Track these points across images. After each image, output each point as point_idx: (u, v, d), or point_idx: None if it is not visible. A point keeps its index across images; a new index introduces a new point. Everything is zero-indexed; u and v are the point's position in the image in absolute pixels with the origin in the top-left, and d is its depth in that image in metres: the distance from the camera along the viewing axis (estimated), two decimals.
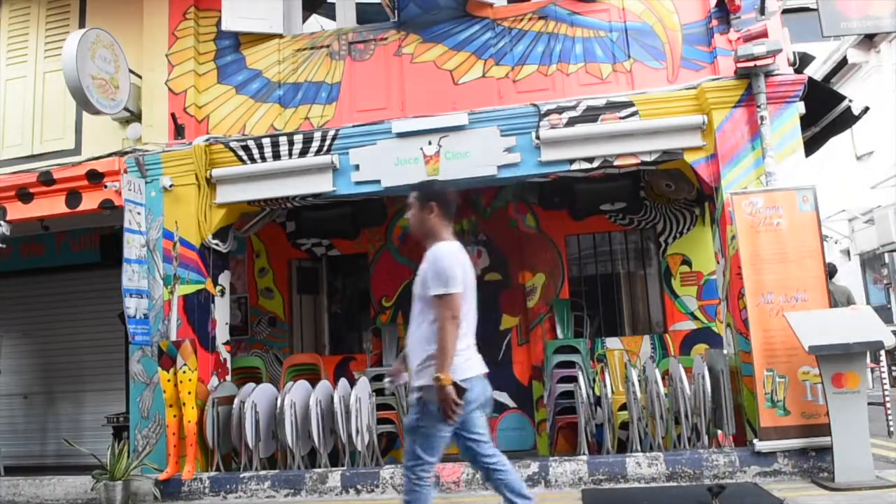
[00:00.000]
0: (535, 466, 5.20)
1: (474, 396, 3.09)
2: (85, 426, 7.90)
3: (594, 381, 6.29)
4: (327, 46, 6.42)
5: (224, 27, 6.39)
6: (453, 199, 3.38)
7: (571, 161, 5.78)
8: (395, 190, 6.12)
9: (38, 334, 8.29)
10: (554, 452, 6.56)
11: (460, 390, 2.97)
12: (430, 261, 3.14)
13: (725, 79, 5.57)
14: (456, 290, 3.04)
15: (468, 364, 3.11)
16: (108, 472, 5.44)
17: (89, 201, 6.30)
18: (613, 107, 5.72)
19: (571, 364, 6.55)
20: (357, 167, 6.02)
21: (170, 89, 6.45)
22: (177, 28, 6.53)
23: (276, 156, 6.15)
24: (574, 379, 6.09)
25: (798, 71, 5.72)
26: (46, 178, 6.36)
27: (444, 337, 3.01)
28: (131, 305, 5.86)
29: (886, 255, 13.78)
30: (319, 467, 5.66)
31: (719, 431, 5.37)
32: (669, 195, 7.12)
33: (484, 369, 3.21)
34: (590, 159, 5.76)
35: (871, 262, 14.88)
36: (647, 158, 5.71)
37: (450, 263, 3.09)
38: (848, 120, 6.23)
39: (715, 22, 5.73)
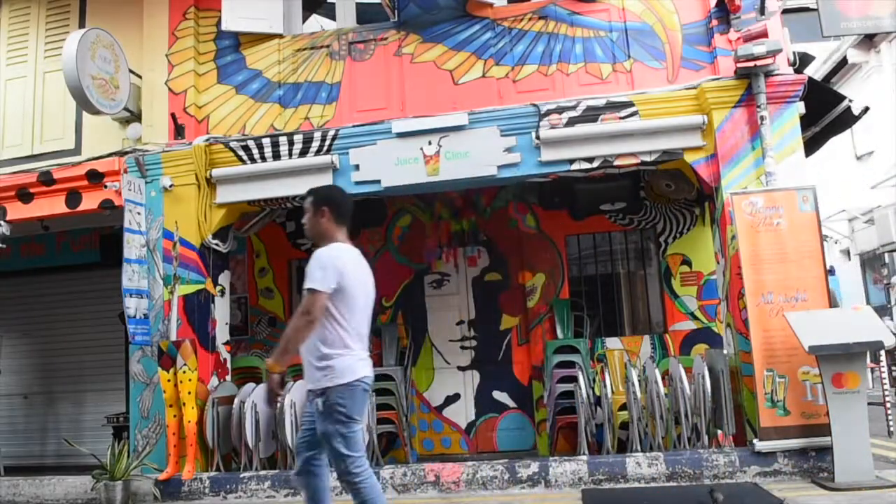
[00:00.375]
0: (535, 466, 5.20)
1: (368, 396, 3.25)
2: (85, 426, 7.90)
3: (594, 381, 6.30)
4: (327, 46, 6.43)
5: (224, 27, 6.39)
6: (348, 204, 3.45)
7: (571, 161, 5.79)
8: (395, 190, 6.13)
9: (38, 334, 8.29)
10: (554, 452, 6.56)
11: (283, 382, 3.13)
12: (311, 260, 3.19)
13: (725, 79, 5.57)
14: (321, 289, 3.08)
15: (358, 364, 3.18)
16: (108, 472, 5.44)
17: (89, 201, 6.30)
18: (613, 107, 5.73)
19: (571, 364, 6.54)
20: (357, 167, 6.02)
21: (170, 89, 6.45)
22: (177, 28, 6.54)
23: (276, 156, 6.15)
24: (574, 379, 6.09)
25: (798, 71, 5.72)
26: (46, 178, 6.36)
27: (292, 328, 3.11)
28: (131, 305, 5.86)
29: (886, 255, 13.78)
30: None
31: (719, 431, 5.37)
32: (669, 195, 7.12)
33: (372, 373, 3.30)
34: (590, 159, 5.76)
35: (871, 262, 14.88)
36: (647, 158, 5.71)
37: (324, 264, 3.14)
38: (848, 120, 6.23)
39: (715, 22, 5.74)
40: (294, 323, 3.12)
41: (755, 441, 4.98)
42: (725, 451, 5.08)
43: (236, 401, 5.80)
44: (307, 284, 3.11)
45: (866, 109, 6.10)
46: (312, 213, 3.36)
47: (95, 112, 5.99)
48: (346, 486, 3.16)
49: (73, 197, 6.35)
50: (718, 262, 5.93)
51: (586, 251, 7.69)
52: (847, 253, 15.85)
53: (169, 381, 5.72)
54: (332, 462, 3.16)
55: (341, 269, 3.14)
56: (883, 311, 12.60)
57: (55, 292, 8.24)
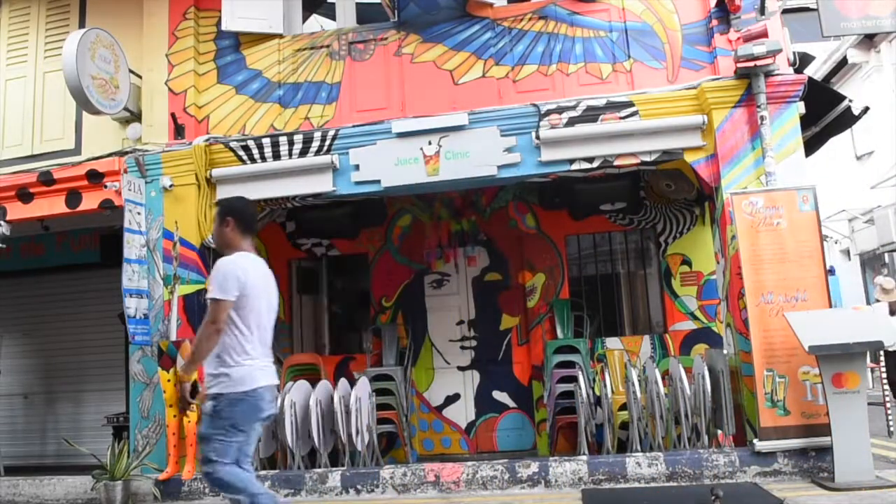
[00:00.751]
0: (535, 466, 5.20)
1: (266, 405, 3.29)
2: (85, 426, 7.90)
3: (594, 381, 6.30)
4: (327, 46, 6.43)
5: (224, 27, 6.39)
6: (253, 215, 3.57)
7: (571, 161, 5.79)
8: (395, 190, 6.13)
9: (38, 334, 8.29)
10: (554, 452, 6.57)
11: (195, 391, 3.22)
12: (213, 269, 3.28)
13: (725, 79, 5.57)
14: (224, 298, 3.18)
15: (258, 374, 3.25)
16: (108, 472, 5.44)
17: (89, 201, 6.30)
18: (613, 107, 5.73)
19: (571, 364, 6.55)
20: (357, 167, 6.02)
21: (170, 89, 6.45)
22: (177, 28, 6.54)
23: (276, 156, 6.15)
24: (574, 379, 6.09)
25: (798, 71, 5.73)
26: (46, 178, 6.36)
27: (199, 338, 3.20)
28: (131, 305, 5.86)
29: (886, 255, 13.78)
30: (319, 467, 5.66)
31: (719, 431, 5.38)
32: (669, 195, 7.12)
33: (274, 380, 3.38)
34: (590, 159, 5.76)
35: (871, 262, 14.88)
36: (647, 158, 5.71)
37: (226, 274, 3.23)
38: (848, 120, 6.23)
39: (715, 22, 5.74)
40: (201, 333, 3.21)
41: (755, 441, 4.98)
42: (725, 451, 5.08)
43: None
44: (210, 294, 3.21)
45: (866, 109, 6.10)
46: (218, 224, 3.47)
47: (95, 112, 5.99)
48: (209, 482, 3.23)
49: (73, 197, 6.34)
50: (718, 262, 5.93)
51: (586, 251, 7.69)
52: (847, 253, 15.85)
53: (169, 381, 5.71)
54: (202, 461, 3.24)
55: (243, 278, 3.23)
56: None
57: (55, 292, 8.23)
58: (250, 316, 3.25)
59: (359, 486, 5.31)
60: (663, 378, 5.61)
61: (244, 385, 3.18)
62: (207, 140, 6.29)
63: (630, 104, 5.71)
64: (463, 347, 7.54)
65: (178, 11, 6.54)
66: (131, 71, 6.44)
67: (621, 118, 5.70)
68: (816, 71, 13.50)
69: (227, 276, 3.20)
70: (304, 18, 7.10)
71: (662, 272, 7.31)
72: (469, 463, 5.37)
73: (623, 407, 5.83)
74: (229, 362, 3.20)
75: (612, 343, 7.11)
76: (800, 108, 5.56)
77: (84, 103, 5.89)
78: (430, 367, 7.54)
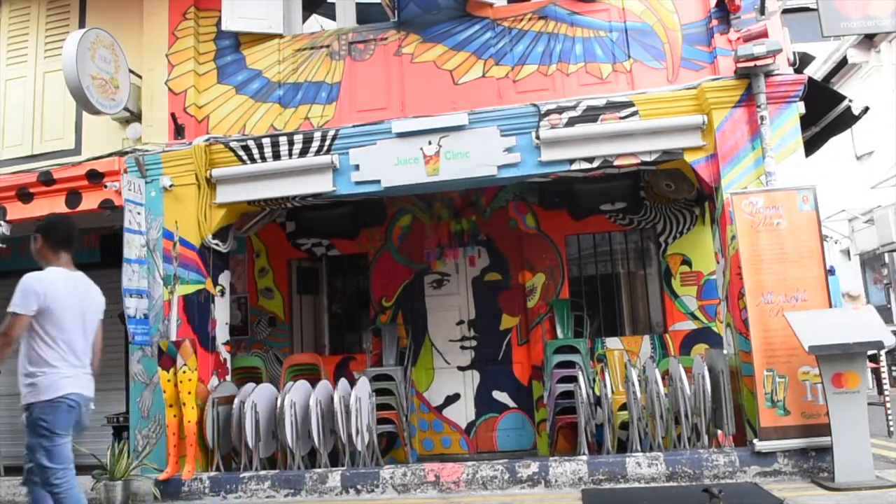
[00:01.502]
0: (535, 466, 5.20)
1: (78, 409, 3.43)
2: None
3: (594, 381, 6.30)
4: (327, 46, 6.43)
5: (224, 27, 6.39)
6: (63, 231, 3.67)
7: (571, 161, 5.79)
8: (395, 190, 6.13)
9: None
10: (554, 452, 6.57)
11: None
12: (19, 283, 3.41)
13: (725, 79, 5.57)
14: (20, 312, 3.33)
15: (64, 381, 3.38)
16: (108, 472, 5.44)
17: (89, 201, 6.30)
18: (613, 107, 5.73)
19: (571, 364, 6.55)
20: (357, 167, 6.02)
21: (170, 89, 6.45)
22: (177, 28, 6.54)
23: (276, 156, 6.15)
24: (574, 379, 6.09)
25: (798, 71, 5.73)
26: (46, 178, 6.36)
27: None
28: (131, 305, 5.86)
29: (886, 255, 13.78)
30: (319, 467, 5.66)
31: (719, 431, 5.38)
32: (669, 195, 7.12)
33: (83, 390, 3.49)
34: (590, 159, 5.76)
35: (871, 262, 14.87)
36: (647, 158, 5.71)
37: (26, 288, 3.39)
38: (848, 120, 6.24)
39: (715, 22, 5.74)
40: None
41: (755, 441, 4.98)
42: (725, 451, 5.08)
43: (236, 401, 5.80)
44: (9, 308, 3.34)
45: (866, 109, 6.11)
46: (32, 241, 3.64)
47: (95, 112, 5.99)
48: (49, 495, 3.36)
49: (73, 197, 6.35)
50: (718, 262, 5.93)
51: (586, 251, 7.69)
52: (847, 253, 15.84)
53: (169, 381, 5.72)
54: (37, 472, 3.38)
55: (42, 292, 3.38)
56: (883, 311, 12.57)
57: None
58: (56, 328, 3.38)
59: (359, 486, 5.32)
60: (663, 378, 5.61)
61: (51, 393, 3.35)
62: (207, 140, 6.29)
63: (630, 104, 5.71)
64: (463, 347, 7.54)
65: (178, 11, 6.55)
66: (131, 71, 6.44)
67: (621, 118, 5.70)
68: (816, 71, 13.50)
69: (26, 291, 3.37)
70: (304, 18, 7.11)
71: (662, 272, 7.32)
72: (469, 463, 5.37)
73: (623, 407, 5.83)
74: (36, 373, 3.36)
75: (612, 343, 7.12)
76: (800, 108, 5.57)
77: (84, 103, 5.89)
78: (430, 367, 7.54)
